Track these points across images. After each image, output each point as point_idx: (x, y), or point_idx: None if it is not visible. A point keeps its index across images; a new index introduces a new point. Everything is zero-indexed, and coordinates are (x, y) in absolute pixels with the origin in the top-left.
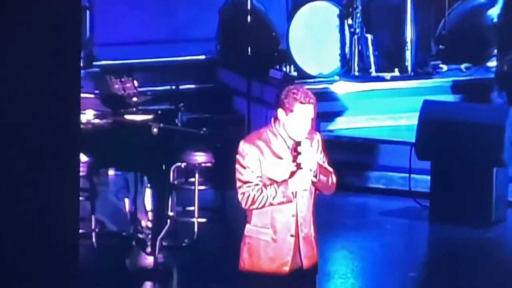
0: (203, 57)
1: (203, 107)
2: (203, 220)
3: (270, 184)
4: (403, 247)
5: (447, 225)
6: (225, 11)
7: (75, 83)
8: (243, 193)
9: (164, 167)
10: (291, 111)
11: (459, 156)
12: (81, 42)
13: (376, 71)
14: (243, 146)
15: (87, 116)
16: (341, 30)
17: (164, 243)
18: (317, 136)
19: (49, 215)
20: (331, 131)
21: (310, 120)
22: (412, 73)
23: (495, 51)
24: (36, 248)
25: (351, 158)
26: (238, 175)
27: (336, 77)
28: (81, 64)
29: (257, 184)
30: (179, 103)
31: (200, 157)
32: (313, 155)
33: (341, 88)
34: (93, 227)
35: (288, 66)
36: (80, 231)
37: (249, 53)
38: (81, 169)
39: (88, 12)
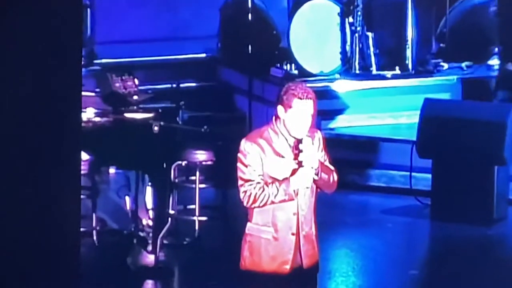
0: (204, 55)
1: (204, 105)
2: (204, 218)
3: (272, 182)
4: (404, 245)
5: (448, 223)
6: (226, 9)
7: (76, 82)
8: (245, 192)
9: (165, 165)
10: (290, 107)
11: (460, 154)
12: (82, 40)
13: (377, 69)
14: (244, 145)
15: (88, 114)
16: (342, 28)
17: (165, 242)
18: (318, 134)
19: (51, 213)
20: (332, 129)
21: (310, 116)
22: (413, 71)
23: (496, 49)
24: (38, 246)
25: (352, 156)
26: (239, 174)
27: (337, 75)
28: (82, 62)
29: (258, 183)
30: (180, 101)
31: (201, 155)
32: (315, 153)
33: (342, 86)
34: (94, 225)
35: (289, 64)
36: (81, 229)
37: (250, 51)
38: (82, 167)
39: (89, 10)
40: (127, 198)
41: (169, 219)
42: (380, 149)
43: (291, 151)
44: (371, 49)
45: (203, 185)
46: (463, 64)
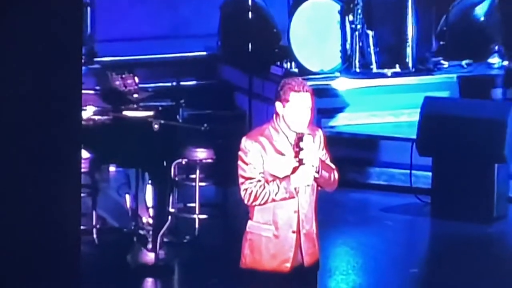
0: (204, 53)
1: (204, 103)
2: (204, 216)
3: (272, 180)
4: (404, 243)
5: (448, 221)
6: (226, 7)
7: (76, 80)
8: (246, 190)
9: (165, 163)
10: (288, 101)
11: (460, 152)
12: (82, 38)
13: (377, 68)
14: (245, 143)
15: (88, 112)
16: (342, 27)
17: (165, 240)
18: (319, 133)
19: (51, 211)
20: (332, 127)
21: (309, 109)
22: (413, 69)
23: (496, 47)
24: (38, 244)
25: (352, 154)
26: (240, 172)
27: (337, 74)
28: (82, 61)
29: (259, 181)
30: (180, 99)
31: (201, 153)
32: (315, 151)
33: (342, 84)
34: (94, 223)
35: (289, 63)
36: (81, 227)
37: (250, 49)
38: (82, 165)
39: (89, 8)
40: (127, 196)
41: (169, 217)
42: (380, 147)
43: (291, 148)
44: (371, 47)
45: (203, 183)
46: (463, 62)
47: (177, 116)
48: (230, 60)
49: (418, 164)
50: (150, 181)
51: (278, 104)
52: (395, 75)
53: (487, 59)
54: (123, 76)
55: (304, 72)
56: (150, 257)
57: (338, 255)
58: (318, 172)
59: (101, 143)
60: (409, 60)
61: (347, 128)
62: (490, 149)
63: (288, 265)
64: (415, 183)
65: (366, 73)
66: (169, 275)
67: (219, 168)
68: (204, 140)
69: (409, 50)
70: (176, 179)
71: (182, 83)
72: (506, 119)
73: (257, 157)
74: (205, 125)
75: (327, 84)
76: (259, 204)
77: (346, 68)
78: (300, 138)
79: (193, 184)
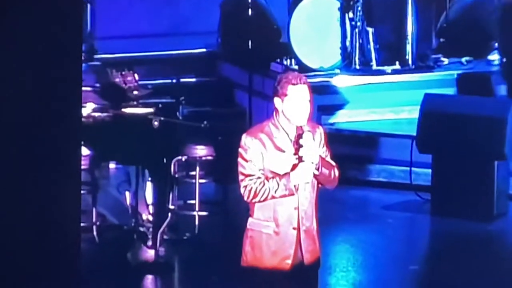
0: (204, 50)
1: (204, 101)
2: (204, 213)
3: (272, 177)
4: (404, 240)
5: (448, 219)
6: (226, 4)
7: (76, 77)
8: (245, 186)
9: (165, 160)
10: (286, 95)
11: (460, 149)
12: (82, 35)
13: (377, 65)
14: (245, 140)
15: (88, 109)
16: (342, 24)
17: (165, 237)
18: (320, 130)
19: (51, 208)
20: (332, 124)
21: (307, 102)
22: (413, 66)
23: (496, 44)
24: (38, 242)
25: (352, 151)
26: (240, 168)
27: (337, 71)
28: (82, 58)
29: (259, 177)
30: (180, 96)
31: (201, 151)
32: (315, 148)
33: (342, 81)
34: (94, 220)
35: (289, 60)
36: (81, 224)
37: (250, 47)
38: (82, 162)
39: (89, 5)
40: (127, 193)
41: (169, 214)
42: (380, 144)
43: (292, 145)
44: (371, 44)
45: (203, 180)
46: (463, 59)
47: (177, 113)
48: (230, 57)
49: (418, 161)
50: (150, 178)
51: (277, 100)
52: (395, 72)
53: (487, 56)
54: (123, 73)
55: (304, 69)
56: (150, 254)
57: (338, 252)
58: (318, 169)
59: (101, 140)
60: (409, 57)
61: (347, 125)
62: (490, 147)
63: (289, 262)
64: (415, 180)
65: (366, 70)
66: (169, 272)
67: (219, 165)
68: (204, 137)
69: (409, 47)
70: (176, 176)
71: (182, 80)
72: (506, 117)
73: (257, 154)
74: (205, 122)
75: (327, 81)
76: (259, 201)
77: (346, 65)
78: (300, 135)
79: (193, 181)
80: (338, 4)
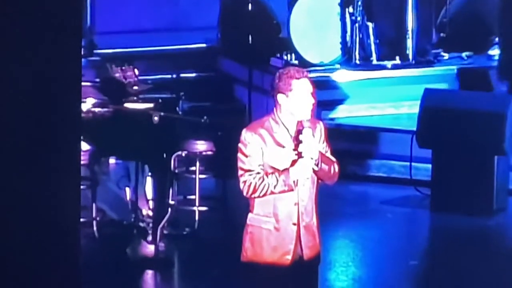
0: (204, 45)
1: (204, 96)
2: (204, 208)
3: (272, 173)
4: (404, 235)
5: (448, 214)
6: None
7: (76, 72)
8: (245, 182)
9: (165, 155)
10: (290, 90)
11: (460, 144)
12: (82, 30)
13: (377, 60)
14: (245, 135)
15: (88, 104)
16: (342, 18)
17: (165, 232)
18: (320, 125)
19: (50, 203)
20: (332, 119)
21: (311, 95)
22: (413, 61)
23: (496, 39)
24: (37, 237)
25: (352, 146)
26: (240, 164)
27: (337, 66)
28: (82, 53)
29: (258, 173)
30: (180, 91)
31: (201, 146)
32: (315, 143)
33: (342, 76)
34: (94, 215)
35: (289, 55)
36: (81, 219)
37: (250, 42)
38: (82, 157)
39: (88, 0)
40: (127, 188)
41: (169, 209)
42: (380, 139)
43: (292, 141)
44: (371, 39)
45: (203, 176)
46: (464, 54)
47: (177, 109)
48: (230, 52)
49: (418, 156)
50: (150, 174)
51: (280, 96)
52: (395, 67)
53: (487, 51)
54: (123, 68)
55: (304, 64)
56: (150, 249)
57: (338, 247)
58: (317, 165)
59: (101, 136)
60: (409, 52)
61: (347, 120)
62: (490, 142)
63: (289, 257)
64: (415, 176)
65: (366, 65)
66: (169, 267)
67: (219, 160)
68: (204, 132)
69: (409, 42)
70: (176, 171)
71: (182, 75)
72: (506, 112)
73: (257, 149)
74: (205, 117)
75: (327, 76)
76: (258, 196)
77: (346, 60)
78: (299, 130)
79: (193, 176)
80: None
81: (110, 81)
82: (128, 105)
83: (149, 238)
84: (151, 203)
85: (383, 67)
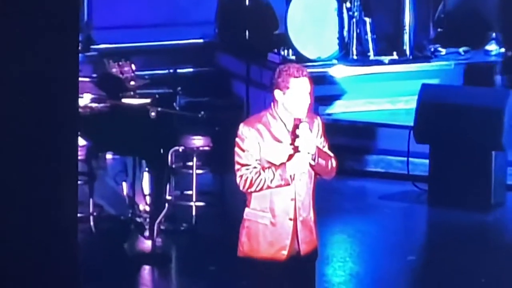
0: (201, 40)
1: (201, 91)
2: (201, 204)
3: (268, 167)
4: (401, 230)
5: (446, 209)
6: None
7: (73, 67)
8: (241, 176)
9: (162, 151)
10: (288, 87)
11: (457, 139)
12: (79, 25)
13: (375, 55)
14: (242, 129)
15: (85, 100)
16: (339, 14)
17: (162, 227)
18: (318, 120)
19: (47, 199)
20: (329, 114)
21: (308, 94)
22: (411, 57)
23: (494, 34)
24: (34, 232)
25: (349, 142)
26: (237, 158)
27: (335, 61)
28: (79, 48)
29: (255, 167)
30: (177, 87)
31: (198, 141)
32: (311, 138)
33: (340, 71)
34: (91, 211)
35: (286, 50)
36: (78, 215)
37: (248, 37)
38: (79, 153)
39: None
40: (124, 183)
41: (166, 204)
42: (377, 134)
43: (289, 136)
44: (369, 34)
45: (200, 171)
46: (461, 49)
47: (174, 104)
48: (227, 47)
49: (415, 151)
50: (147, 169)
51: (277, 92)
52: (392, 62)
53: (484, 46)
54: (120, 63)
55: (301, 59)
56: (147, 244)
57: (335, 242)
58: (314, 160)
59: (98, 131)
60: (407, 47)
61: (344, 115)
62: (487, 137)
63: (285, 252)
64: (412, 171)
65: (363, 60)
66: (166, 262)
67: (216, 155)
68: (201, 127)
69: (406, 37)
70: (173, 166)
71: (179, 70)
72: (504, 107)
73: (254, 144)
74: (202, 112)
75: (324, 72)
76: (255, 191)
77: (343, 55)
78: (296, 125)
79: (190, 171)
80: None
81: (107, 77)
82: (125, 100)
83: (146, 233)
84: (148, 199)
85: (381, 63)
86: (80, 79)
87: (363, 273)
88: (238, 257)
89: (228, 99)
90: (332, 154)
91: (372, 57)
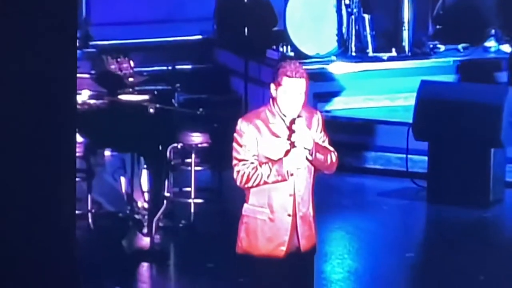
0: (200, 37)
1: (199, 88)
2: (200, 201)
3: (265, 163)
4: (400, 227)
5: (445, 206)
6: None
7: (71, 64)
8: (238, 171)
9: (160, 147)
10: (280, 85)
11: (456, 136)
12: (78, 21)
13: (373, 51)
14: (241, 125)
15: (83, 96)
16: (338, 10)
17: (160, 224)
18: (318, 115)
19: (45, 195)
20: (328, 111)
21: (300, 95)
22: (410, 53)
23: (493, 31)
24: (33, 229)
25: (348, 138)
26: (234, 153)
27: (333, 57)
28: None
29: (252, 163)
30: (176, 83)
31: (197, 138)
32: (307, 133)
33: (338, 68)
34: (89, 207)
35: (285, 46)
36: (77, 211)
37: (246, 33)
38: (77, 149)
39: None
40: (122, 180)
41: (165, 201)
42: (376, 131)
43: (287, 131)
44: (368, 31)
45: (198, 168)
46: (460, 46)
47: (173, 100)
48: (226, 44)
49: (414, 148)
50: (145, 166)
51: (272, 87)
52: (391, 59)
53: (483, 43)
54: (119, 60)
55: (300, 56)
56: (145, 241)
57: (334, 239)
58: (312, 155)
59: (97, 128)
60: (405, 44)
61: (343, 112)
62: (486, 134)
63: (284, 248)
64: (411, 168)
65: (362, 57)
66: (164, 259)
67: (215, 152)
68: (200, 124)
69: (405, 34)
70: (172, 163)
71: (177, 67)
72: (502, 103)
73: (252, 139)
74: (201, 109)
75: (323, 68)
76: (252, 186)
77: (342, 52)
78: (293, 120)
79: (189, 168)
80: None
81: (105, 73)
82: (124, 97)
83: (145, 230)
84: (146, 195)
85: (379, 59)
86: (78, 75)
87: (361, 270)
88: (237, 253)
89: (227, 96)
90: (332, 149)
91: (371, 53)
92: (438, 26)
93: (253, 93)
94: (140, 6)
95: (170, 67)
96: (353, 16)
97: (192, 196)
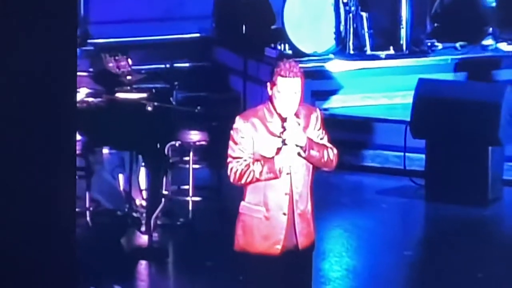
0: (198, 35)
1: (198, 86)
2: (198, 198)
3: (258, 160)
4: (398, 225)
5: (443, 204)
6: None
7: (70, 62)
8: (231, 168)
9: (158, 145)
10: (275, 84)
11: (454, 134)
12: (77, 20)
13: (371, 50)
14: (238, 122)
15: (82, 94)
16: (336, 8)
17: (159, 222)
18: (317, 113)
19: (45, 194)
20: (326, 109)
21: (294, 95)
22: (407, 51)
23: (491, 29)
24: (32, 227)
25: (346, 136)
26: (229, 151)
27: (331, 56)
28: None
29: (245, 160)
30: (174, 81)
31: (195, 136)
32: (299, 131)
33: (336, 66)
34: (88, 205)
35: (283, 45)
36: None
37: (245, 31)
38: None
39: None
40: (121, 178)
41: (163, 199)
42: (374, 129)
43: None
44: (365, 29)
45: (197, 166)
46: (458, 44)
47: (171, 99)
48: (224, 42)
49: (412, 146)
50: (144, 164)
51: (268, 86)
52: (389, 57)
53: (481, 41)
54: (117, 58)
55: (298, 54)
56: (144, 239)
57: (332, 237)
58: (305, 151)
59: (95, 125)
60: (403, 42)
61: (340, 110)
62: (484, 132)
63: (279, 247)
64: (409, 166)
65: (360, 55)
66: (163, 257)
67: (213, 150)
68: (198, 122)
69: (403, 32)
70: (170, 161)
71: (176, 65)
72: (500, 102)
73: (248, 138)
74: (199, 107)
75: (320, 66)
76: (245, 183)
77: (340, 50)
78: (286, 118)
79: (187, 166)
80: None
81: (104, 71)
82: (122, 95)
83: (143, 228)
84: (145, 193)
85: (377, 57)
86: (77, 73)
87: (359, 268)
88: (234, 251)
89: (225, 94)
90: (330, 146)
91: (368, 51)
92: (436, 24)
93: (252, 91)
94: (138, 4)
95: (168, 65)
96: (351, 14)
97: (191, 194)
